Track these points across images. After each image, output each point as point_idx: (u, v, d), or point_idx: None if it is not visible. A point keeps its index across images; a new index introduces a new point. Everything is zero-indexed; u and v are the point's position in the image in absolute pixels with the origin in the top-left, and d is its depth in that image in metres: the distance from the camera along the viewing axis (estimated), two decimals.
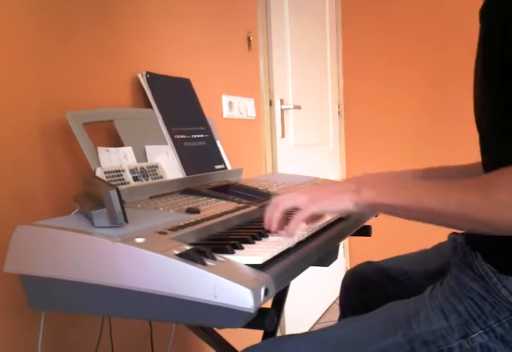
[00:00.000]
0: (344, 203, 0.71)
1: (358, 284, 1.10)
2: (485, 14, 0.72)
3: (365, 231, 1.15)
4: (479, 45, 0.73)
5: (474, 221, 0.61)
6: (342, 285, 1.14)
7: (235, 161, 1.50)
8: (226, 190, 1.11)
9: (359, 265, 1.14)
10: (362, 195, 0.70)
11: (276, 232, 0.77)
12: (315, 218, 0.79)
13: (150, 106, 1.20)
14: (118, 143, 1.07)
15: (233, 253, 0.66)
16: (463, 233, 0.77)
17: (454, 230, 0.81)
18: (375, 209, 0.73)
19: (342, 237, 0.95)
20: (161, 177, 1.09)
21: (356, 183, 0.72)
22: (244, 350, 0.77)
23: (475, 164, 0.84)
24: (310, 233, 0.82)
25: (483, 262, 0.70)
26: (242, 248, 0.68)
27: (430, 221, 0.67)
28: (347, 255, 2.86)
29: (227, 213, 0.89)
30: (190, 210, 0.87)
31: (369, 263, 1.11)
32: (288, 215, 0.77)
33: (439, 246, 1.05)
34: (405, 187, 0.69)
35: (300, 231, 0.80)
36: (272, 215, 0.77)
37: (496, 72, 0.66)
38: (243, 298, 0.54)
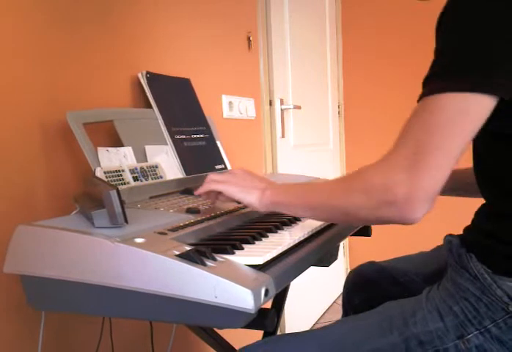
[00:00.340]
0: (249, 197, 0.79)
1: (360, 284, 1.11)
2: None
3: (365, 231, 1.15)
4: None
5: (329, 206, 0.69)
6: (345, 285, 1.15)
7: (235, 161, 1.50)
8: None
9: (361, 265, 1.14)
10: (265, 194, 0.78)
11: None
12: (223, 196, 0.85)
13: (150, 106, 1.20)
14: (118, 143, 1.06)
15: (233, 253, 0.66)
16: (458, 235, 0.78)
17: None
18: (271, 207, 0.78)
19: (342, 237, 0.95)
20: (161, 177, 1.09)
21: (266, 184, 0.81)
22: (244, 347, 0.77)
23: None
24: (310, 233, 0.82)
25: (477, 263, 0.70)
26: (242, 248, 0.68)
27: (313, 216, 0.75)
28: (347, 255, 2.86)
29: (227, 213, 0.89)
30: (190, 210, 0.87)
31: (371, 263, 1.12)
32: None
33: (438, 249, 1.05)
34: (299, 187, 0.78)
35: (299, 232, 0.80)
36: (201, 190, 0.86)
37: None
38: (244, 298, 0.54)
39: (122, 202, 0.68)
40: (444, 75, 0.62)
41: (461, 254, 0.73)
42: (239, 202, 0.83)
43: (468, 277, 0.71)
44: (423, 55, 2.84)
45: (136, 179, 1.02)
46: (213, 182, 0.84)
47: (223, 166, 1.32)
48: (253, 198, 0.79)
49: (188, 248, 0.63)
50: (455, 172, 0.98)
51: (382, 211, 0.62)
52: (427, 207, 0.60)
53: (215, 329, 1.11)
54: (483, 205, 0.76)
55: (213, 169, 1.28)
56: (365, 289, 1.09)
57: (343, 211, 0.68)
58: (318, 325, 2.41)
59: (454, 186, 0.89)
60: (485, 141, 0.72)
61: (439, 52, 0.65)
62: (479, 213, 0.76)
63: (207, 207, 0.92)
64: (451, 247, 0.77)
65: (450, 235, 0.79)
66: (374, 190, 0.62)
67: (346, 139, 2.85)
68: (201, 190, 0.86)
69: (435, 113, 0.61)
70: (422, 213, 0.60)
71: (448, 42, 0.64)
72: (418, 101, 0.65)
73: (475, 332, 0.68)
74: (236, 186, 0.81)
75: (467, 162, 0.94)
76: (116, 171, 0.99)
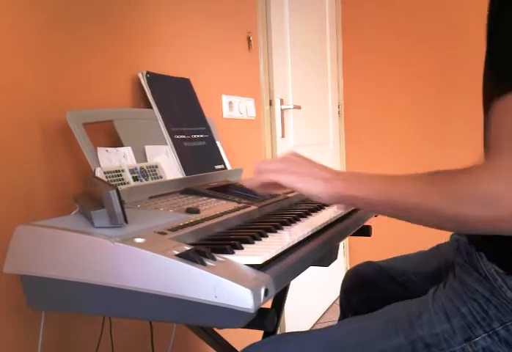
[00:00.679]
0: (313, 187, 0.70)
1: (358, 284, 1.10)
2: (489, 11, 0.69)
3: (365, 231, 1.15)
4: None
5: (429, 212, 0.60)
6: (343, 285, 1.14)
7: (235, 161, 1.50)
8: (226, 190, 1.11)
9: (359, 264, 1.14)
10: (333, 185, 0.69)
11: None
12: (280, 187, 0.76)
13: (150, 106, 1.20)
14: (118, 143, 1.07)
15: (233, 253, 0.65)
16: (466, 234, 0.76)
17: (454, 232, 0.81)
18: (342, 200, 0.71)
19: (342, 237, 0.95)
20: (161, 177, 1.09)
21: (331, 173, 0.71)
22: (246, 348, 0.76)
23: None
24: (310, 233, 0.82)
25: (488, 263, 0.68)
26: (242, 248, 0.68)
27: (393, 214, 0.66)
28: (347, 255, 2.86)
29: (226, 213, 0.89)
30: (190, 210, 0.87)
31: (369, 263, 1.11)
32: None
33: (437, 248, 1.05)
34: (374, 179, 0.68)
35: (299, 232, 0.80)
36: (254, 183, 0.78)
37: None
38: (243, 298, 0.54)
39: (121, 202, 0.68)
40: None
41: (471, 252, 0.72)
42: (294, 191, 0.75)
43: (477, 277, 0.69)
44: (423, 55, 2.85)
45: (135, 179, 1.02)
46: (266, 172, 0.74)
47: (223, 166, 1.32)
48: (318, 188, 0.69)
49: (187, 248, 0.63)
50: None
51: (509, 223, 0.55)
52: None
53: (215, 329, 1.11)
54: None
55: (213, 169, 1.28)
56: (364, 289, 1.08)
57: (454, 220, 0.59)
58: (318, 325, 2.40)
59: None
60: None
61: None
62: None
63: (207, 207, 0.92)
64: (459, 245, 0.75)
65: (457, 234, 0.78)
66: (499, 202, 0.55)
67: (346, 139, 2.85)
68: (254, 183, 0.76)
69: None
70: None
71: None
72: (504, 96, 0.57)
73: (483, 335, 0.66)
74: (295, 175, 0.72)
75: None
76: (116, 171, 0.99)
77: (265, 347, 0.76)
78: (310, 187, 0.70)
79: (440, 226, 0.63)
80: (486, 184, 0.56)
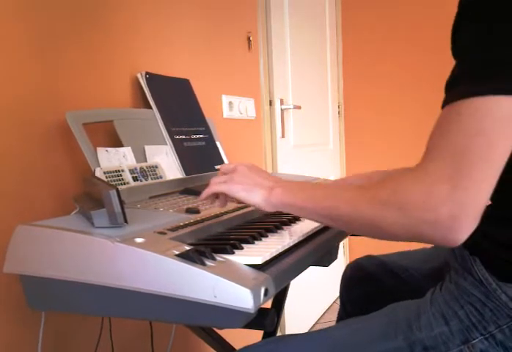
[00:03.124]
0: (255, 197, 0.74)
1: (358, 277, 1.10)
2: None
3: None
4: None
5: (353, 217, 0.62)
6: (343, 277, 1.14)
7: (235, 161, 1.50)
8: None
9: (359, 258, 1.14)
10: (273, 193, 0.72)
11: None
12: (227, 197, 0.82)
13: (150, 106, 1.20)
14: (117, 143, 1.07)
15: (233, 253, 0.66)
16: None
17: None
18: (280, 207, 0.73)
19: (342, 237, 0.95)
20: (161, 177, 1.09)
21: (273, 182, 0.75)
22: (243, 348, 0.76)
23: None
24: (310, 233, 0.82)
25: (482, 267, 0.68)
26: (242, 248, 0.68)
27: (325, 221, 0.68)
28: (347, 255, 2.86)
29: (226, 213, 0.89)
30: (189, 210, 0.87)
31: (370, 257, 1.11)
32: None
33: (438, 247, 1.05)
34: (311, 188, 0.72)
35: (299, 232, 0.80)
36: (203, 194, 0.82)
37: None
38: (243, 298, 0.54)
39: (121, 202, 0.68)
40: (483, 75, 0.54)
41: (464, 256, 0.72)
42: (241, 202, 0.79)
43: (472, 281, 0.69)
44: (423, 55, 2.86)
45: (135, 179, 1.02)
46: (214, 184, 0.80)
47: None
48: (257, 197, 0.74)
49: (187, 248, 0.63)
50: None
51: (421, 230, 0.55)
52: (474, 226, 0.54)
53: (215, 329, 1.11)
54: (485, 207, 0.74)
55: (213, 169, 1.28)
56: (363, 282, 1.08)
57: (372, 225, 0.60)
58: (318, 325, 2.40)
59: None
60: None
61: (466, 49, 0.58)
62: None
63: (207, 207, 0.92)
64: (453, 248, 0.76)
65: None
66: (412, 207, 0.55)
67: (346, 139, 2.85)
68: (203, 194, 0.81)
69: (478, 118, 0.53)
70: (469, 232, 0.54)
71: (478, 36, 0.56)
72: (447, 104, 0.58)
73: (480, 337, 0.67)
74: (238, 184, 0.76)
75: None
76: (115, 171, 0.99)
77: (263, 348, 0.76)
78: (252, 196, 0.74)
79: (362, 232, 0.64)
80: (405, 190, 0.56)
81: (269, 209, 0.74)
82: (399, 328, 0.71)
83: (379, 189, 0.60)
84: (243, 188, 0.76)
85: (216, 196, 0.83)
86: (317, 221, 0.73)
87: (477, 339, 0.67)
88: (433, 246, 1.07)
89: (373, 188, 0.61)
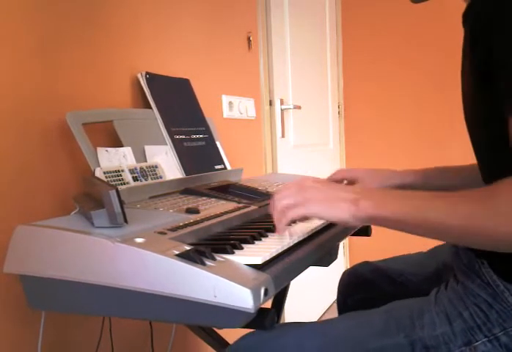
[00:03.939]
0: (339, 213, 0.67)
1: (355, 284, 1.10)
2: (468, 16, 0.69)
3: (365, 231, 1.15)
4: (464, 53, 0.70)
5: (476, 234, 0.58)
6: (340, 285, 1.14)
7: (235, 161, 1.50)
8: (226, 190, 1.11)
9: (356, 265, 1.13)
10: (360, 206, 0.65)
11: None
12: (305, 218, 0.75)
13: (150, 107, 1.20)
14: (117, 143, 1.07)
15: (233, 253, 0.66)
16: None
17: None
18: (372, 222, 0.68)
19: (342, 237, 0.95)
20: (161, 177, 1.09)
21: (354, 193, 0.67)
22: (244, 335, 0.75)
23: (472, 165, 0.83)
24: (310, 233, 0.82)
25: (489, 270, 0.68)
26: (242, 248, 0.68)
27: (428, 235, 0.64)
28: (347, 255, 2.86)
29: (226, 213, 0.89)
30: (189, 210, 0.87)
31: (366, 263, 1.11)
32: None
33: (434, 250, 1.05)
34: (405, 197, 0.65)
35: (299, 232, 0.80)
36: (280, 228, 0.74)
37: (488, 76, 0.62)
38: (243, 298, 0.54)
39: (121, 202, 0.68)
40: None
41: (471, 258, 0.71)
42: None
43: (479, 283, 0.69)
44: (423, 55, 2.86)
45: (135, 179, 1.02)
46: (286, 208, 0.70)
47: (222, 166, 1.32)
48: (342, 213, 0.66)
49: (187, 247, 0.63)
50: (458, 169, 0.98)
51: None
52: None
53: (215, 329, 1.11)
54: None
55: (213, 169, 1.28)
56: (361, 289, 1.08)
57: (489, 238, 0.57)
58: None
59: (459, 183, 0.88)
60: (486, 150, 0.70)
61: None
62: None
63: (207, 207, 0.92)
64: (457, 251, 0.75)
65: None
66: None
67: (346, 139, 2.85)
68: (280, 227, 0.72)
69: None
70: None
71: None
72: None
73: (484, 339, 0.66)
74: (316, 204, 0.68)
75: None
76: (115, 171, 0.99)
77: (265, 335, 0.74)
78: (336, 213, 0.67)
79: (489, 246, 0.61)
80: None
81: (358, 224, 0.69)
82: (401, 324, 0.71)
83: (495, 199, 0.56)
84: (322, 207, 0.68)
85: (294, 221, 0.74)
86: (409, 233, 0.65)
87: (479, 341, 0.66)
88: (429, 249, 1.07)
89: (486, 198, 0.57)
